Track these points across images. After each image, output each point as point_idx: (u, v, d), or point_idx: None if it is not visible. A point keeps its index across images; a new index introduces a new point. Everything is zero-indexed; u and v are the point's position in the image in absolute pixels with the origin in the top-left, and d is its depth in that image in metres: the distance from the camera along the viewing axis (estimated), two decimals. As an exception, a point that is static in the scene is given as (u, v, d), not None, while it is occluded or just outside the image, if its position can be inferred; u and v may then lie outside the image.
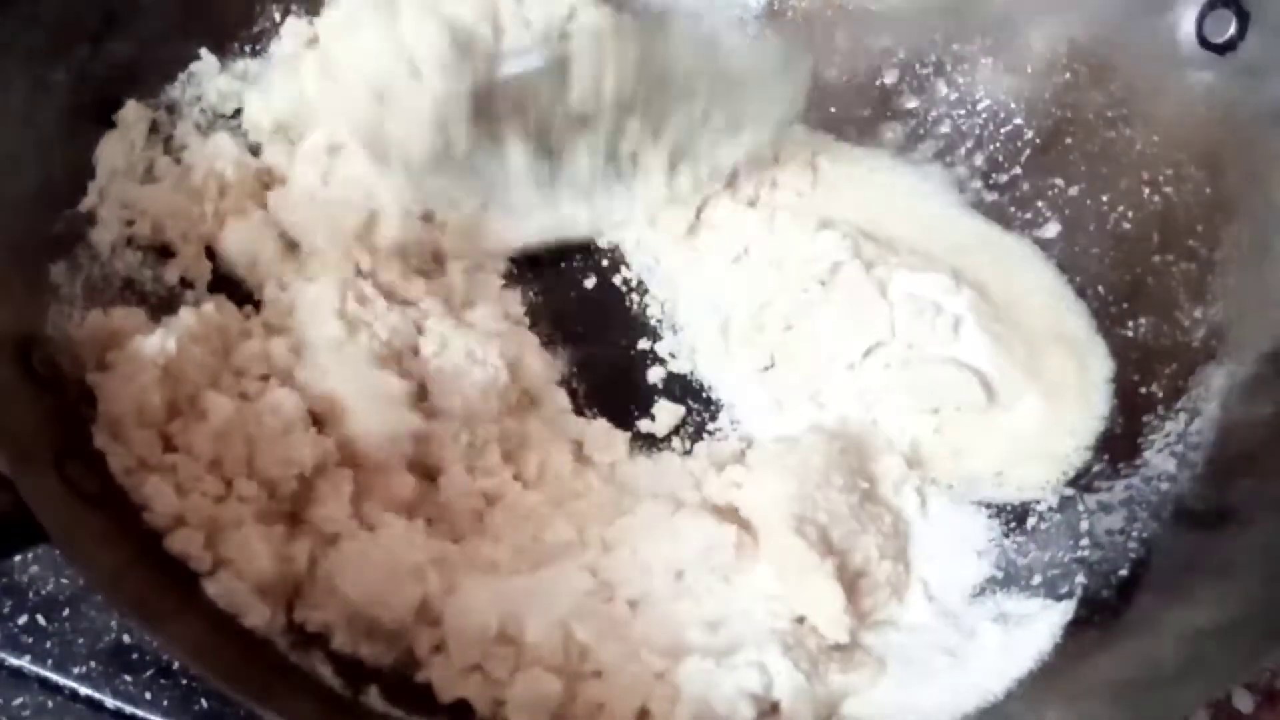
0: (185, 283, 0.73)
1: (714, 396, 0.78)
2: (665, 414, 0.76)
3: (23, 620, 0.67)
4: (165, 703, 0.65)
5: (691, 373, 0.79)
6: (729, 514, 0.68)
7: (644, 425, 0.76)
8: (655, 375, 0.78)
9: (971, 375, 0.73)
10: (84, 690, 0.65)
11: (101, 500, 0.58)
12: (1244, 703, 0.70)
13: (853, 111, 0.86)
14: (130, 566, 0.57)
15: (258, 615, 0.59)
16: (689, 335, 0.80)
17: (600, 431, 0.75)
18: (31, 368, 0.61)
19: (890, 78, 0.85)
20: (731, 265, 0.80)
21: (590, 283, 0.82)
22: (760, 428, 0.76)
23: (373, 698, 0.60)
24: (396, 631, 0.62)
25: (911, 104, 0.84)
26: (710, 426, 0.77)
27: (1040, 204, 0.80)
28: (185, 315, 0.67)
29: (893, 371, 0.75)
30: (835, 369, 0.75)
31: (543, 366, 0.77)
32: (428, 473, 0.69)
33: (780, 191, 0.83)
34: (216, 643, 0.57)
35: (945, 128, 0.84)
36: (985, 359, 0.73)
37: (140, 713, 0.65)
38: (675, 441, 0.76)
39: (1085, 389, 0.74)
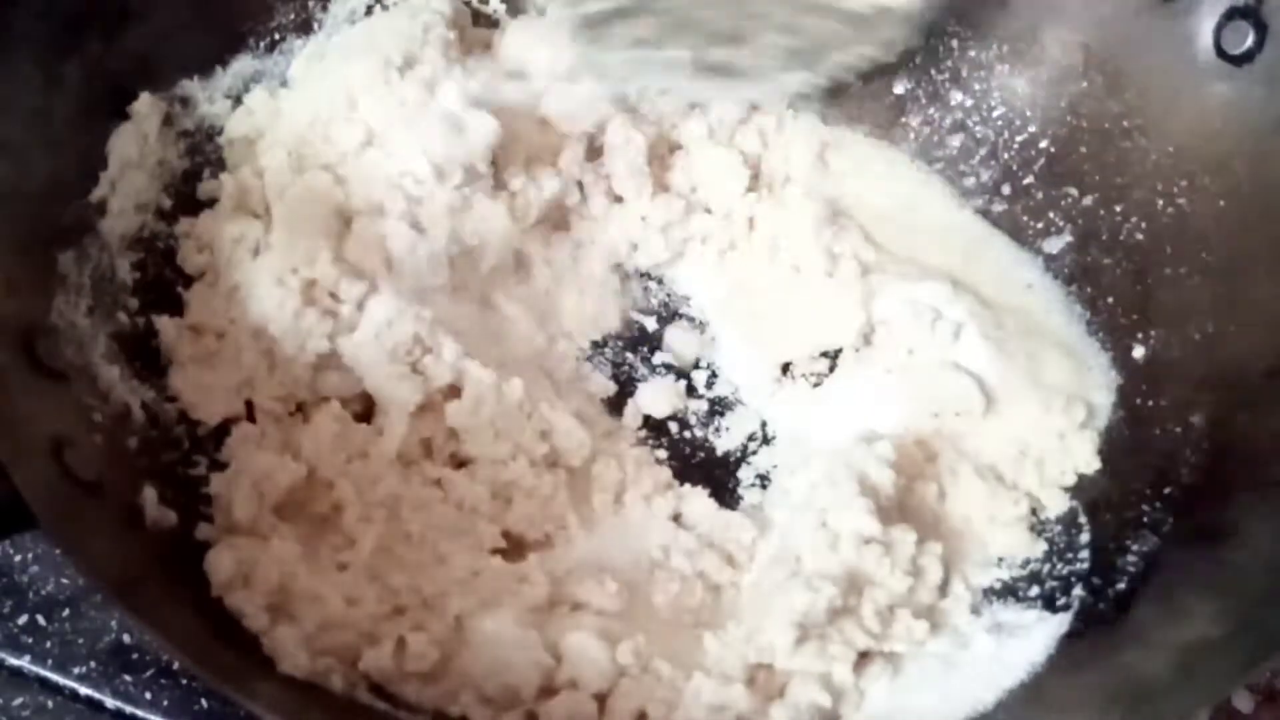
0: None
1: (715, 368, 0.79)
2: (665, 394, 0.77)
3: (23, 620, 0.66)
4: (165, 703, 0.65)
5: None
6: None
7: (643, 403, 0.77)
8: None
9: (971, 380, 0.73)
10: (84, 690, 0.65)
11: (97, 489, 0.58)
12: (1244, 703, 0.70)
13: (867, 118, 0.85)
14: (124, 555, 0.56)
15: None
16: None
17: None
18: (35, 356, 0.60)
19: (905, 84, 0.84)
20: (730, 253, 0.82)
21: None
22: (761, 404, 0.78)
23: (361, 693, 0.59)
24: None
25: (926, 111, 0.84)
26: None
27: (1053, 213, 0.80)
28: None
29: (894, 375, 0.75)
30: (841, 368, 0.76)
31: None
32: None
33: (790, 186, 0.83)
34: (212, 638, 0.56)
35: (959, 135, 0.83)
36: (985, 365, 0.73)
37: (140, 713, 0.64)
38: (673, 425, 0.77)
39: (1086, 398, 0.74)
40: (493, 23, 0.84)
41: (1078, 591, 0.67)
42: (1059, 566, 0.69)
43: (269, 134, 0.74)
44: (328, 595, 0.61)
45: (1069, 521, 0.71)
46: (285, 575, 0.61)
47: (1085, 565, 0.68)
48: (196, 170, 0.74)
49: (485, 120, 0.75)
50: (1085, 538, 0.70)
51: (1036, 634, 0.65)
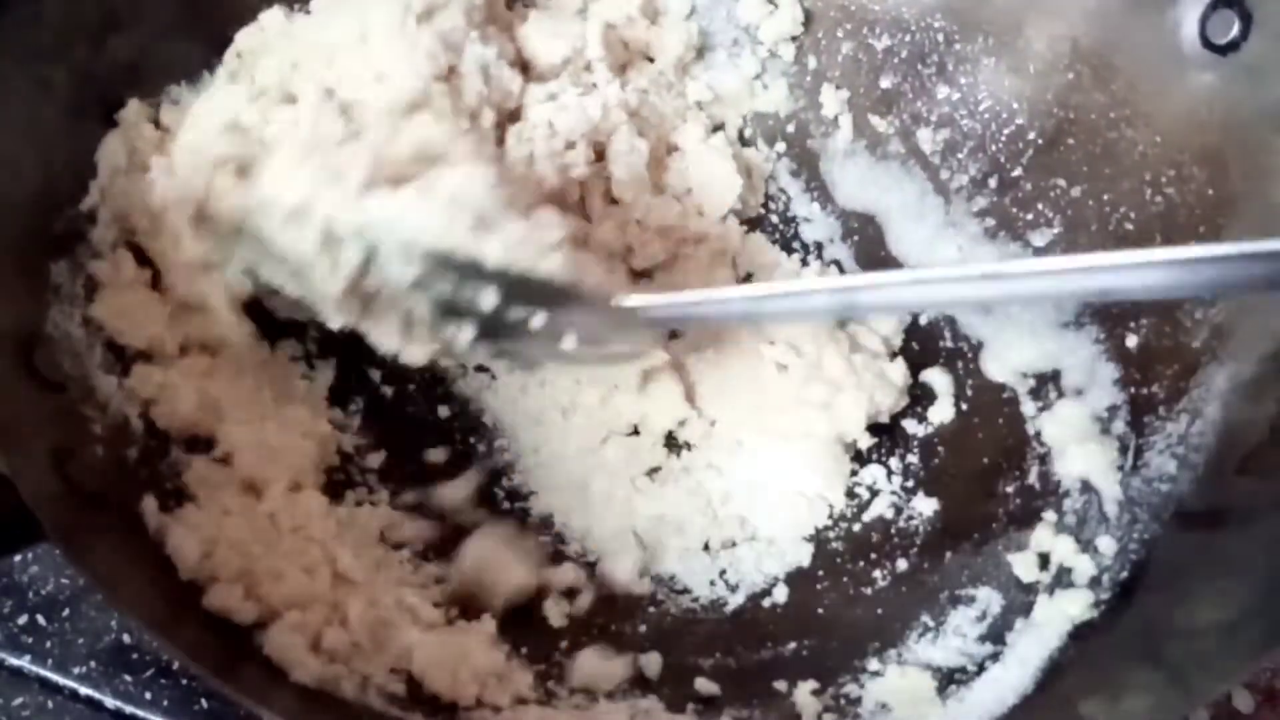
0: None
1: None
2: None
3: (23, 620, 0.67)
4: (165, 703, 0.65)
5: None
6: None
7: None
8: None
9: None
10: (84, 690, 0.65)
11: (101, 499, 0.58)
12: (1244, 703, 0.70)
13: (853, 114, 0.86)
14: (129, 565, 0.57)
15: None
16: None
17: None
18: (33, 366, 0.60)
19: (891, 79, 0.85)
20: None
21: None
22: None
23: (371, 696, 0.60)
24: None
25: (913, 105, 0.84)
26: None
27: (1041, 205, 0.80)
28: None
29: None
30: None
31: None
32: None
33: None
34: (214, 641, 0.57)
35: (946, 129, 0.83)
36: None
37: (140, 713, 0.65)
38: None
39: None
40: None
41: (1081, 581, 0.67)
42: (1062, 556, 0.69)
43: (277, 52, 0.74)
44: (285, 569, 0.62)
45: (1070, 511, 0.71)
46: (245, 556, 0.61)
47: (1088, 554, 0.68)
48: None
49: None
50: (1087, 527, 0.70)
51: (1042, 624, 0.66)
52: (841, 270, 0.84)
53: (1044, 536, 0.71)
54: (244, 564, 0.60)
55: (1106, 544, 0.69)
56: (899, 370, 0.78)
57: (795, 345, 0.77)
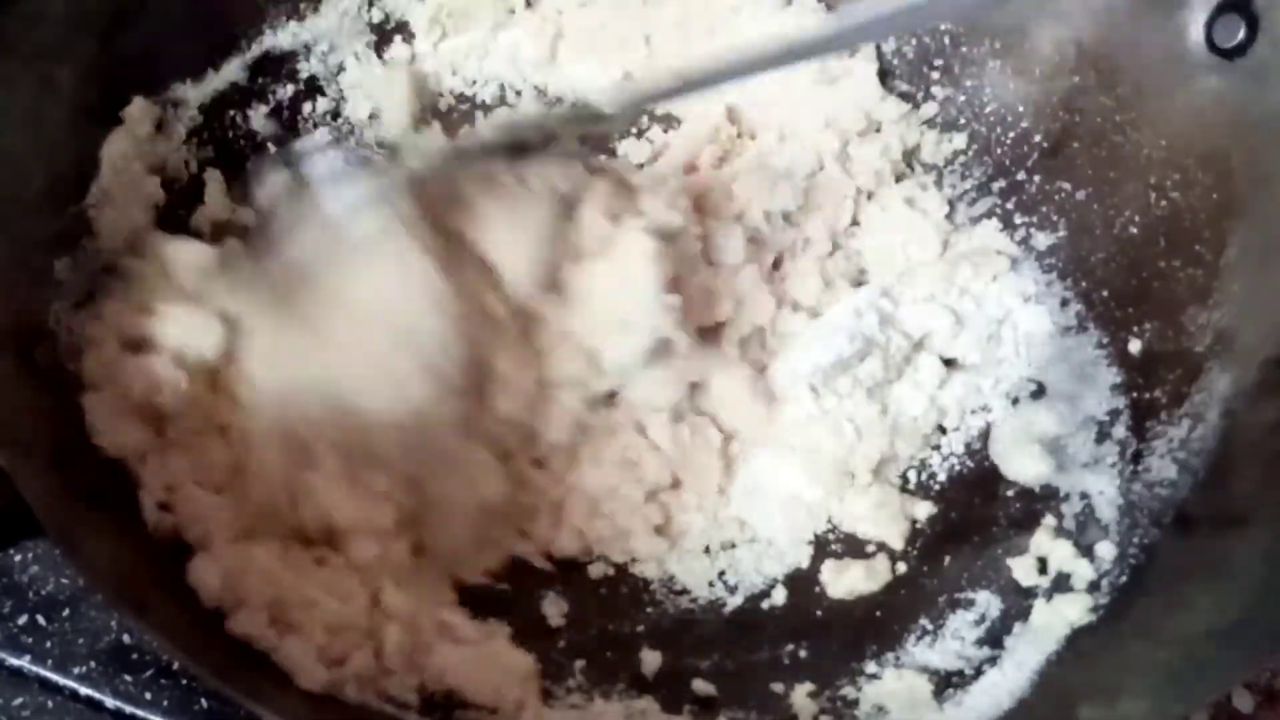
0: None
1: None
2: None
3: (23, 620, 0.66)
4: (165, 703, 0.65)
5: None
6: None
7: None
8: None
9: None
10: (84, 690, 0.65)
11: (100, 496, 0.58)
12: (1244, 703, 0.70)
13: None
14: (128, 563, 0.57)
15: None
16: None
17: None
18: (34, 363, 0.61)
19: (897, 81, 0.84)
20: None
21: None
22: None
23: (369, 696, 0.60)
24: None
25: (918, 108, 0.84)
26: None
27: (1046, 208, 0.80)
28: None
29: None
30: None
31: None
32: None
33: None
34: (213, 641, 0.57)
35: (951, 132, 0.83)
36: None
37: (140, 713, 0.65)
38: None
39: None
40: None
41: (1080, 585, 0.67)
42: (1061, 561, 0.69)
43: None
44: (319, 598, 0.61)
45: (1069, 516, 0.71)
46: (273, 584, 0.61)
47: (1087, 559, 0.68)
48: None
49: None
50: (1087, 531, 0.70)
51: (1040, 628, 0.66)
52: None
53: (1043, 541, 0.71)
54: (274, 592, 0.60)
55: (1106, 549, 0.69)
56: (929, 420, 0.77)
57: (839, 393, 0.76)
